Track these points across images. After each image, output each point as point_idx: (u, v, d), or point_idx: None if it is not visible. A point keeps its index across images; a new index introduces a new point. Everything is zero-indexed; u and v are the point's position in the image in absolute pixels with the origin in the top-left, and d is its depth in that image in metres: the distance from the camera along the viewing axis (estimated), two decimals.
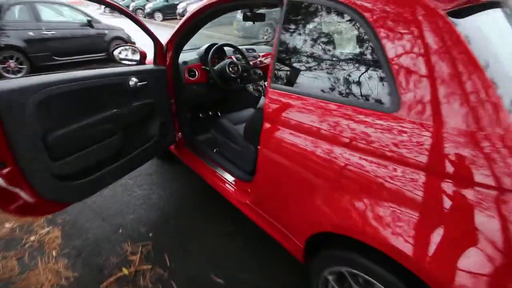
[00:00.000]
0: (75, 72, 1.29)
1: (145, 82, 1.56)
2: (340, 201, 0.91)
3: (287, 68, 1.13)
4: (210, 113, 2.42)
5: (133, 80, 1.49)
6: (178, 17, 11.81)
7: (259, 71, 2.27)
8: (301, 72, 1.07)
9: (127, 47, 1.72)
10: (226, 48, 2.17)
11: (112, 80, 1.40)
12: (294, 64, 1.09)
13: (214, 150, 2.06)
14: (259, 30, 7.31)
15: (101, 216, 1.81)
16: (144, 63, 1.77)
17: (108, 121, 1.41)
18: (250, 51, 2.33)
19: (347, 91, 0.93)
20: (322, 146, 0.95)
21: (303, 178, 1.05)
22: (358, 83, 0.90)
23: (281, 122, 1.09)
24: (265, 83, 2.31)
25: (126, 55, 1.69)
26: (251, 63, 2.22)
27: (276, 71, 1.14)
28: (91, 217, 1.80)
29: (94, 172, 1.38)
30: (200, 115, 2.37)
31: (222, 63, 1.95)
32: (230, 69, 1.89)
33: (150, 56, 1.74)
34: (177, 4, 12.40)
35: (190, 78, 1.97)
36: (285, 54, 1.11)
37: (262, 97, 2.34)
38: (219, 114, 2.45)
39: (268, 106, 1.14)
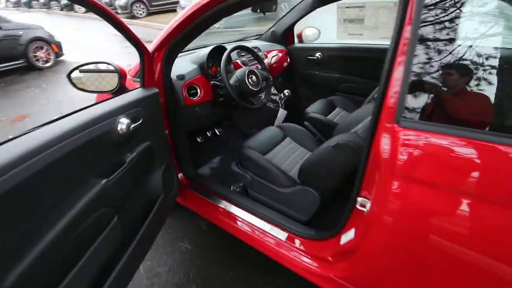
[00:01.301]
0: (14, 139, 0.67)
1: (139, 121, 0.98)
2: None
3: (438, 93, 0.69)
4: (208, 133, 1.86)
5: (123, 123, 0.90)
6: (179, 9, 7.39)
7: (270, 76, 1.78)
8: (481, 98, 0.65)
9: (91, 66, 1.07)
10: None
11: (90, 133, 0.80)
12: (459, 86, 0.67)
13: (232, 188, 1.56)
14: (248, 18, 5.73)
15: None
16: (124, 87, 1.15)
17: (97, 204, 0.81)
18: (256, 49, 1.81)
19: None
20: None
21: (464, 261, 0.67)
22: None
23: (432, 181, 0.67)
24: (274, 90, 1.84)
25: (96, 80, 1.05)
26: (259, 66, 1.72)
27: (411, 98, 0.69)
28: None
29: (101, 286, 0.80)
30: (198, 139, 1.80)
31: (239, 75, 1.41)
32: (250, 80, 1.38)
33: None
34: None
35: (191, 98, 1.39)
36: (432, 70, 0.67)
37: (281, 110, 1.90)
38: (219, 133, 1.91)
39: (399, 154, 0.70)
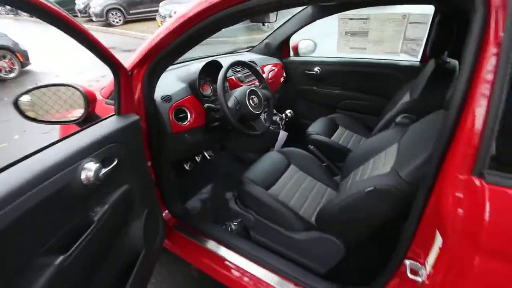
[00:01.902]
0: None
1: (114, 163, 0.73)
2: None
3: None
4: (197, 158, 1.62)
5: (89, 169, 0.65)
6: (159, 18, 6.61)
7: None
8: None
9: (49, 89, 0.81)
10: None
11: (39, 193, 0.55)
12: None
13: (228, 226, 1.33)
14: (238, 27, 5.36)
15: None
16: (93, 114, 0.89)
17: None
18: (252, 63, 1.61)
19: None
20: None
21: None
22: None
23: None
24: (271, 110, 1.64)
25: (54, 106, 0.80)
26: (256, 83, 1.51)
27: (502, 143, 0.51)
28: None
29: None
30: (186, 166, 1.55)
31: (238, 96, 1.19)
32: (251, 102, 1.16)
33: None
34: None
35: (180, 124, 1.15)
36: None
37: (282, 133, 1.69)
38: (209, 157, 1.67)
39: (486, 222, 0.51)
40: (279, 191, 1.18)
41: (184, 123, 1.16)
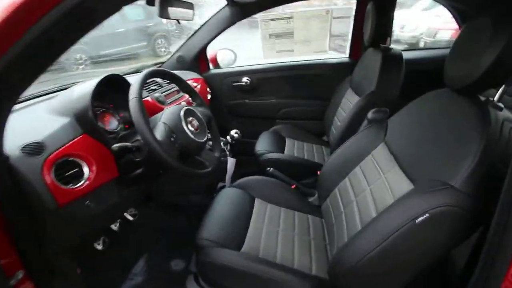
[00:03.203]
0: None
1: None
2: None
3: None
4: (114, 226, 1.07)
5: None
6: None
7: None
8: None
9: None
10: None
11: None
12: None
13: None
14: (138, 38, 4.28)
15: None
16: None
17: None
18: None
19: None
20: None
21: None
22: None
23: None
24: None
25: None
26: (183, 102, 1.12)
27: None
28: None
29: None
30: (97, 246, 0.98)
31: (169, 121, 0.76)
32: (190, 127, 0.76)
33: None
34: None
35: (71, 187, 0.65)
36: None
37: (230, 160, 1.31)
38: (132, 218, 1.14)
39: None
40: (256, 245, 0.82)
41: (79, 184, 0.67)
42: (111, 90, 0.88)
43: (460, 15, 1.35)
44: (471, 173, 0.50)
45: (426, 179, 0.57)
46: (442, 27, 3.92)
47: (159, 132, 0.70)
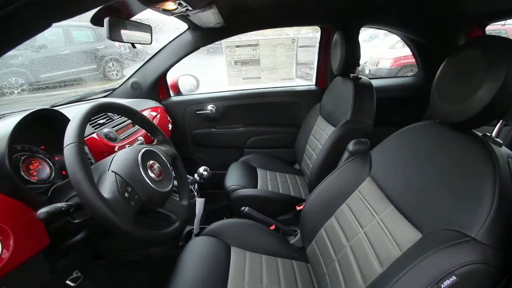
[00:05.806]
0: None
1: None
2: None
3: None
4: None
5: None
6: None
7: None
8: None
9: None
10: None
11: None
12: None
13: None
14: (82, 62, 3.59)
15: None
16: None
17: None
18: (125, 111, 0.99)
19: None
20: None
21: None
22: None
23: None
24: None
25: None
26: (140, 136, 0.94)
27: None
28: None
29: None
30: None
31: (122, 170, 0.57)
32: (151, 173, 0.60)
33: None
34: None
35: None
36: None
37: (198, 201, 1.12)
38: (72, 284, 0.89)
39: None
40: None
41: None
42: (43, 127, 0.69)
43: (415, 46, 1.45)
44: (492, 222, 0.44)
45: (437, 228, 0.50)
46: (382, 56, 4.40)
47: (108, 187, 0.53)
